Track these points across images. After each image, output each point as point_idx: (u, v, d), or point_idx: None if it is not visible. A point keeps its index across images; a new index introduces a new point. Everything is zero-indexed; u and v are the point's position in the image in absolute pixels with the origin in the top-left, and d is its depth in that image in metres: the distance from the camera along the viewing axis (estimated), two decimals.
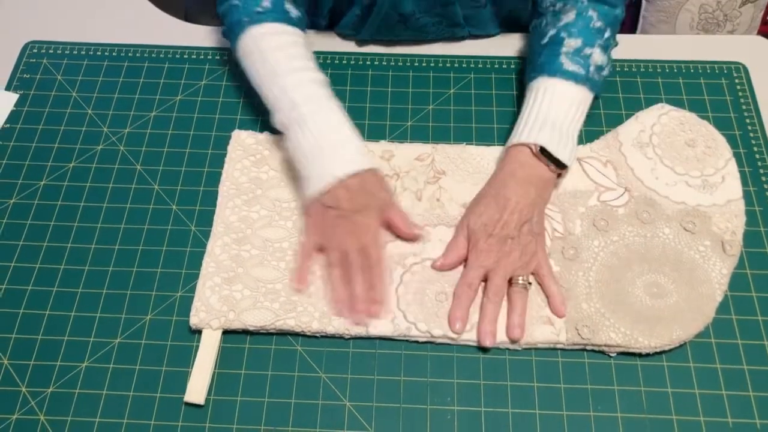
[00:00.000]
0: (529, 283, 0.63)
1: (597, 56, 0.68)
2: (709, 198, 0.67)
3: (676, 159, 0.70)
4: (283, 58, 0.69)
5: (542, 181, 0.65)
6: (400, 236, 0.66)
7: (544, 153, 0.65)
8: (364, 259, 0.63)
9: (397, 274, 0.64)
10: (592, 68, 0.67)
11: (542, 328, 0.61)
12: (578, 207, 0.68)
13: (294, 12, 0.73)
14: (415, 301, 0.63)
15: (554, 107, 0.66)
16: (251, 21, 0.70)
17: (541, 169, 0.65)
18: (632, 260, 0.64)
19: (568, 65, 0.67)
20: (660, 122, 0.72)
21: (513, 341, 0.61)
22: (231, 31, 0.72)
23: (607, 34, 0.69)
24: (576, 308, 0.62)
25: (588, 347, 0.61)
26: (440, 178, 0.70)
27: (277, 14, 0.71)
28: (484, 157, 0.71)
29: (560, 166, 0.65)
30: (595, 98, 0.71)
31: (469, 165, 0.70)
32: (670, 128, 0.71)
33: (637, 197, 0.68)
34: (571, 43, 0.68)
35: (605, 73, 0.70)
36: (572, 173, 0.69)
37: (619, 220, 0.66)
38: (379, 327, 0.62)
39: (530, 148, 0.65)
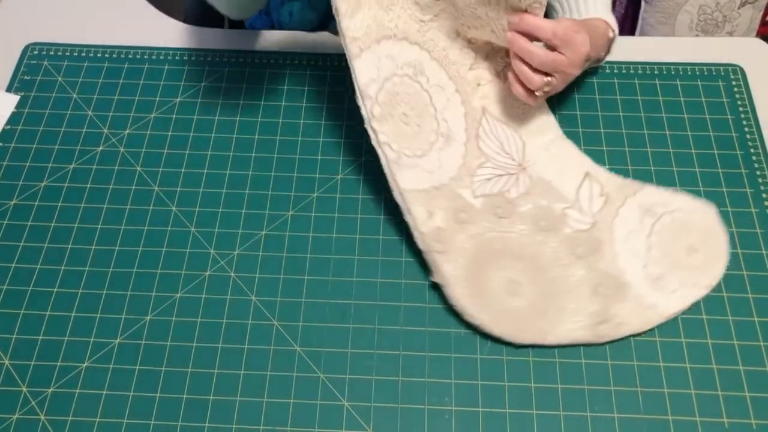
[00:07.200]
0: (546, 91, 0.67)
1: None
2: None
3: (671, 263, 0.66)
4: None
5: (595, 50, 0.70)
6: None
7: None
8: None
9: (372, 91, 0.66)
10: None
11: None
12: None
13: None
14: (383, 117, 0.65)
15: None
16: None
17: (601, 45, 0.72)
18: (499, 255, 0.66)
19: None
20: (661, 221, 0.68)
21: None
22: None
23: None
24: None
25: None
26: None
27: None
28: None
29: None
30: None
31: None
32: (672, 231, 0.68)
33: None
34: None
35: None
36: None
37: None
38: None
39: (609, 28, 0.73)
